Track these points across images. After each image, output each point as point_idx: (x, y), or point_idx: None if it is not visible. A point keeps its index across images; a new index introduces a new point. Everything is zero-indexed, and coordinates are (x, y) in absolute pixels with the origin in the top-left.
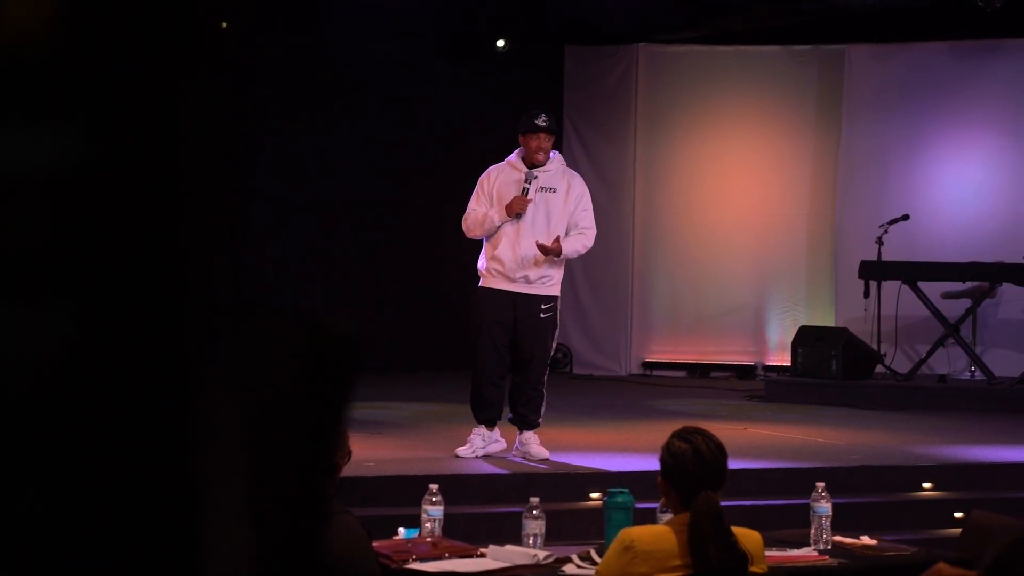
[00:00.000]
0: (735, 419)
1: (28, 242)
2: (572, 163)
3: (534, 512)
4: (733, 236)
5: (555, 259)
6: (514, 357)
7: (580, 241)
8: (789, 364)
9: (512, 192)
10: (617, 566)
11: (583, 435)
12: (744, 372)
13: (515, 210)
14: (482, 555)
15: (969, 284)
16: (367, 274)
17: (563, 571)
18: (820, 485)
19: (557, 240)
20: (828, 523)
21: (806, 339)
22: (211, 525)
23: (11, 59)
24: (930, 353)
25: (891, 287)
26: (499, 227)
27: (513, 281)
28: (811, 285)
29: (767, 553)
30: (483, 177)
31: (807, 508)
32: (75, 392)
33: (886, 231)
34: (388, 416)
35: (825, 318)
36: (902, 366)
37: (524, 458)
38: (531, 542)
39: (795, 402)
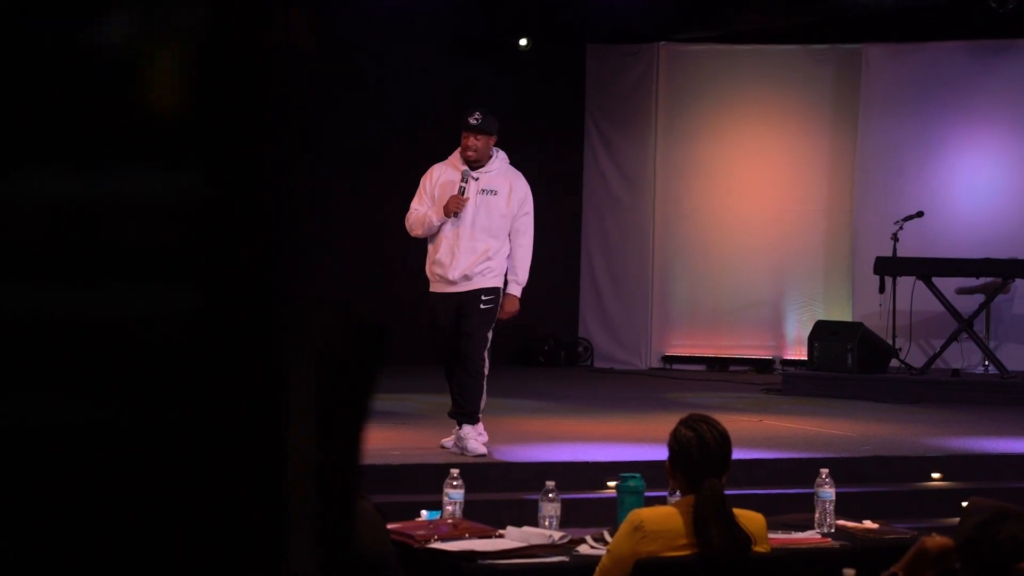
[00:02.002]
0: (752, 411)
1: (168, 242)
2: (593, 159)
3: (550, 495)
4: (751, 232)
5: (493, 251)
6: (456, 348)
7: (525, 258)
8: (806, 358)
9: (450, 191)
10: (627, 544)
11: (601, 426)
12: (762, 366)
13: (451, 210)
14: (500, 535)
15: (982, 280)
16: (389, 267)
17: (577, 551)
18: (824, 471)
19: (513, 304)
20: (832, 507)
21: (822, 333)
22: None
23: (154, 117)
24: (944, 347)
25: (906, 283)
26: (439, 228)
27: (454, 283)
28: (828, 280)
29: (772, 535)
30: (426, 175)
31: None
32: (196, 355)
33: (901, 228)
34: (410, 408)
35: (842, 313)
36: (917, 360)
37: (462, 453)
38: (547, 524)
39: (811, 395)
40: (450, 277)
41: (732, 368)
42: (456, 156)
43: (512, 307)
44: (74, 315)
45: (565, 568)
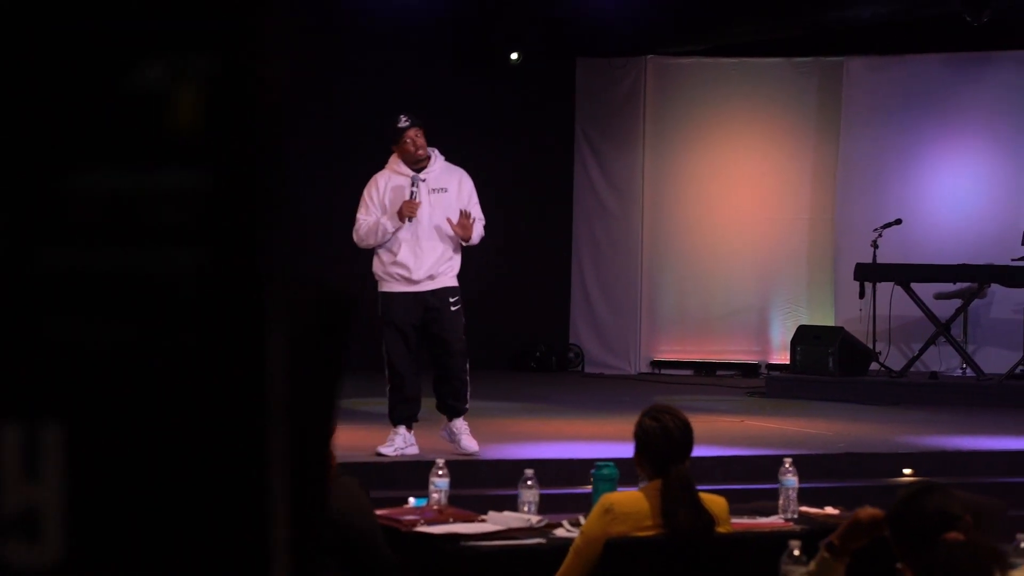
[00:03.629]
0: (734, 413)
1: (186, 220)
2: (583, 170)
3: (528, 483)
4: (737, 240)
5: (452, 249)
6: (435, 353)
7: (478, 230)
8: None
9: (402, 196)
10: (598, 526)
11: (588, 427)
12: (749, 371)
13: (406, 214)
14: (483, 520)
15: (960, 285)
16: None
17: (554, 534)
18: (788, 460)
19: (465, 213)
20: (795, 495)
21: (805, 338)
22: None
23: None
24: (922, 351)
25: (886, 288)
26: (394, 233)
27: (418, 283)
28: (812, 287)
29: (738, 520)
30: (370, 185)
31: None
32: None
33: (880, 235)
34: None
35: (826, 318)
36: (897, 364)
37: (451, 440)
38: (527, 509)
39: (794, 397)
40: (414, 277)
41: (719, 372)
42: (395, 162)
43: (465, 223)
44: (117, 270)
45: (542, 549)
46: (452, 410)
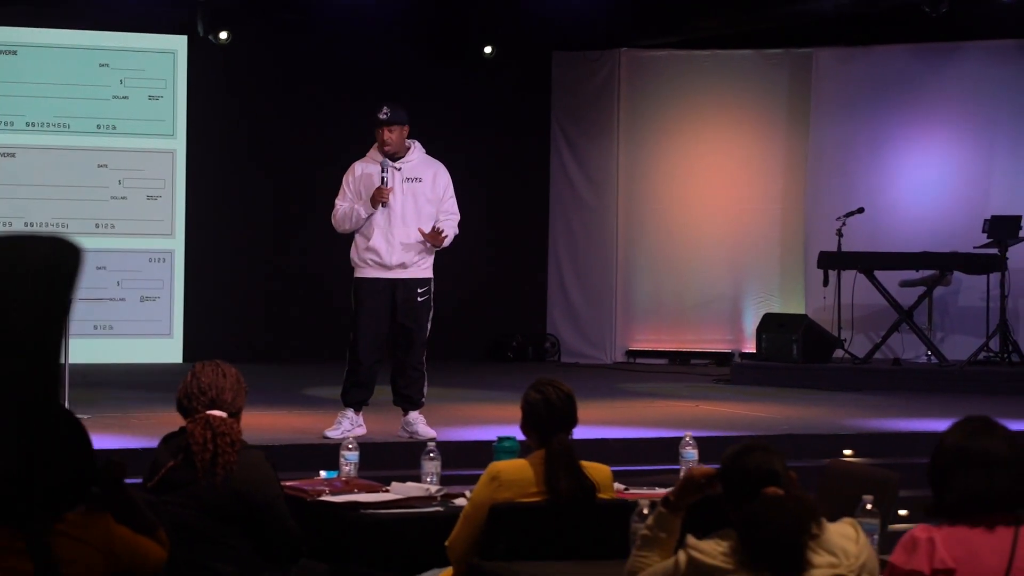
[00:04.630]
0: (693, 399)
1: None
2: (559, 162)
3: (431, 455)
4: (711, 230)
5: (432, 246)
6: (395, 341)
7: (451, 225)
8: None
9: (375, 184)
10: (485, 492)
11: None
12: (723, 359)
13: (377, 200)
14: (386, 491)
15: (923, 273)
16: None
17: (453, 503)
18: (688, 435)
19: (437, 231)
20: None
21: (769, 325)
22: None
23: None
24: (885, 338)
25: (851, 276)
26: (367, 219)
27: (390, 269)
28: (784, 276)
29: (636, 491)
30: (347, 173)
31: None
32: None
33: (844, 223)
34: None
35: (797, 307)
36: (862, 351)
37: (411, 437)
38: (429, 480)
39: (758, 384)
40: (387, 263)
41: (693, 362)
42: (374, 151)
43: (434, 232)
44: None
45: (439, 517)
46: (408, 401)
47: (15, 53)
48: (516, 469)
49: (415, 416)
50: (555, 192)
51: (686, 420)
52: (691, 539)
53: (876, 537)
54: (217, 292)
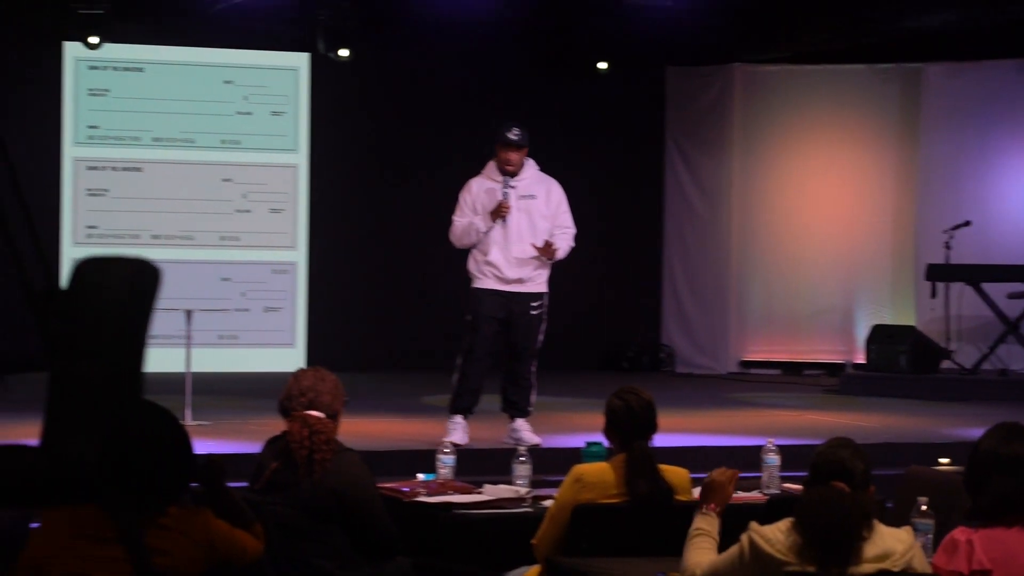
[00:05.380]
0: (802, 408)
1: None
2: (673, 175)
3: (521, 459)
4: (823, 242)
5: (546, 259)
6: (508, 351)
7: (566, 240)
8: None
9: (492, 200)
10: (569, 493)
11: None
12: (835, 370)
13: (497, 215)
14: (479, 493)
15: None
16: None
17: (542, 504)
18: (770, 440)
19: (549, 244)
20: (777, 472)
21: (879, 337)
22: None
23: None
24: (992, 349)
25: (959, 288)
26: (486, 234)
27: (508, 282)
28: (895, 287)
29: None
30: (464, 190)
31: None
32: None
33: (952, 236)
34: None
35: (908, 318)
36: (969, 362)
37: (516, 444)
38: (519, 483)
39: (866, 395)
40: (506, 276)
41: (806, 372)
42: (491, 168)
43: (547, 246)
44: None
45: (528, 517)
46: (515, 408)
47: (142, 70)
48: (598, 472)
49: (521, 423)
50: (669, 204)
51: (787, 429)
52: (754, 524)
53: (931, 536)
54: (338, 302)
